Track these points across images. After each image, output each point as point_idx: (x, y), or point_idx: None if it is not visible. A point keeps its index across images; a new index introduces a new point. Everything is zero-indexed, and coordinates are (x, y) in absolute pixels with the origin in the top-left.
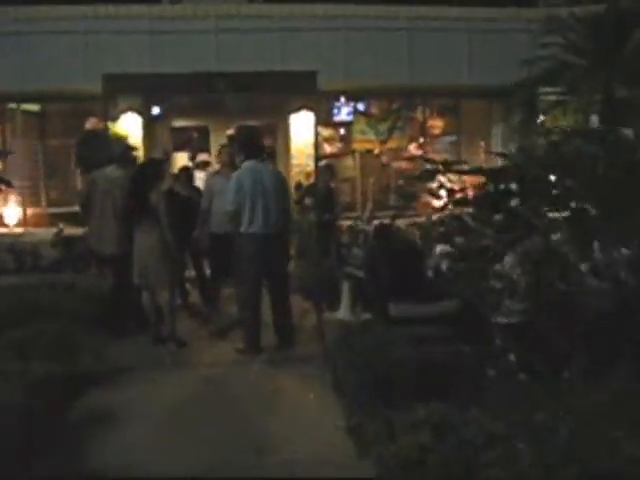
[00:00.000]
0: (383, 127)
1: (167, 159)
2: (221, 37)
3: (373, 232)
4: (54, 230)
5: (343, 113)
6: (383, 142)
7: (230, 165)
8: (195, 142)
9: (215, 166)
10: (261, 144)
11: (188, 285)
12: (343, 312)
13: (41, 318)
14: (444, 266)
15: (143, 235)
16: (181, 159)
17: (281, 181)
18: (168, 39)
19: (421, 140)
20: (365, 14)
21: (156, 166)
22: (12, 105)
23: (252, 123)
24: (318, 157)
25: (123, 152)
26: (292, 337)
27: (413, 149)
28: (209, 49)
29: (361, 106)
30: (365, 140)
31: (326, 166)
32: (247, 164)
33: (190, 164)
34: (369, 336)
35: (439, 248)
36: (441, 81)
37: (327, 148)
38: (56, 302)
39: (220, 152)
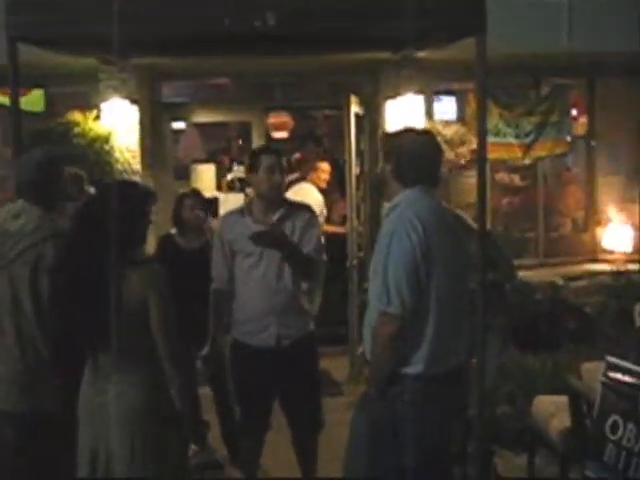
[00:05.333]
0: (528, 124)
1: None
2: None
3: None
4: None
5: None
6: (527, 147)
7: (274, 195)
8: (229, 147)
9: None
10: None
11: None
12: None
13: None
14: None
15: (103, 385)
16: (205, 175)
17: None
18: None
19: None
20: None
21: (133, 202)
22: None
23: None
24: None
25: (42, 167)
26: None
27: None
28: None
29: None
30: (500, 144)
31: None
32: (413, 197)
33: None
34: None
35: None
36: (615, 48)
37: None
38: None
39: (252, 165)
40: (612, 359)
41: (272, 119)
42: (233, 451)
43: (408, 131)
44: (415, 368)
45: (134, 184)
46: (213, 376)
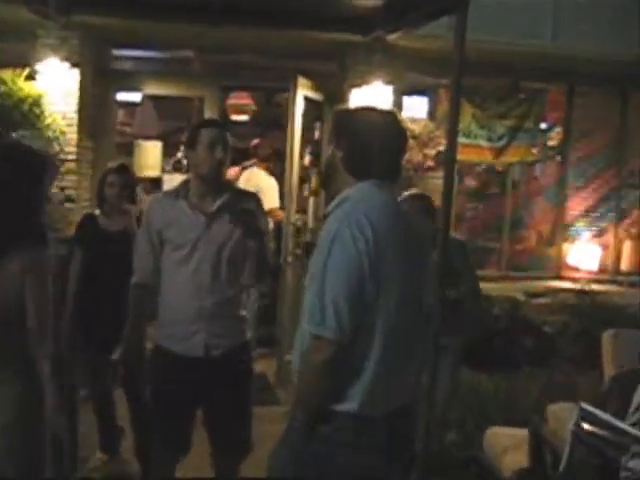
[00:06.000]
0: (501, 127)
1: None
2: None
3: None
4: None
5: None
6: (499, 151)
7: (213, 176)
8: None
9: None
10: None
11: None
12: None
13: None
14: None
15: None
16: (150, 153)
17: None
18: None
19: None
20: None
21: (23, 170)
22: None
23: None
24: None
25: None
26: None
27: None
28: None
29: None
30: (470, 146)
31: (419, 197)
32: (366, 192)
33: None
34: None
35: None
36: (600, 51)
37: None
38: None
39: (190, 141)
40: (587, 406)
41: (232, 100)
42: (145, 465)
43: (366, 110)
44: (350, 405)
45: (26, 148)
46: (126, 381)
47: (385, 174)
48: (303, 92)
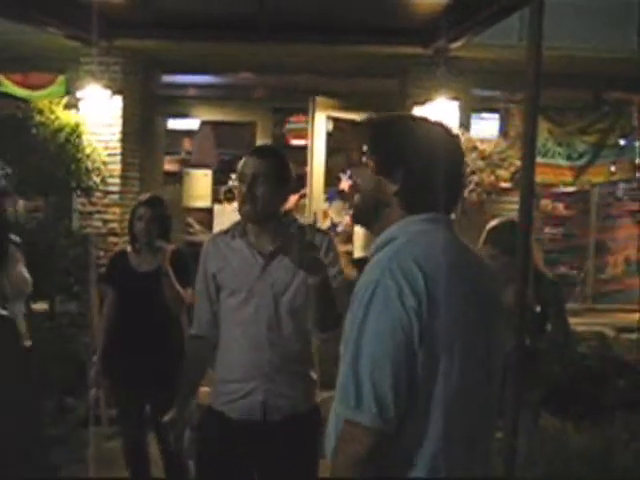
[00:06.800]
0: (582, 143)
1: None
2: None
3: None
4: None
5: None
6: (580, 171)
7: (250, 211)
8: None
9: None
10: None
11: None
12: None
13: None
14: None
15: None
16: (200, 182)
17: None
18: None
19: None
20: None
21: None
22: None
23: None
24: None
25: None
26: None
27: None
28: None
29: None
30: (547, 165)
31: (509, 227)
32: (415, 230)
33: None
34: None
35: None
36: None
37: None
38: None
39: (238, 172)
40: None
41: (291, 124)
42: None
43: (407, 120)
44: None
45: None
46: (172, 451)
47: (440, 205)
48: (327, 112)
